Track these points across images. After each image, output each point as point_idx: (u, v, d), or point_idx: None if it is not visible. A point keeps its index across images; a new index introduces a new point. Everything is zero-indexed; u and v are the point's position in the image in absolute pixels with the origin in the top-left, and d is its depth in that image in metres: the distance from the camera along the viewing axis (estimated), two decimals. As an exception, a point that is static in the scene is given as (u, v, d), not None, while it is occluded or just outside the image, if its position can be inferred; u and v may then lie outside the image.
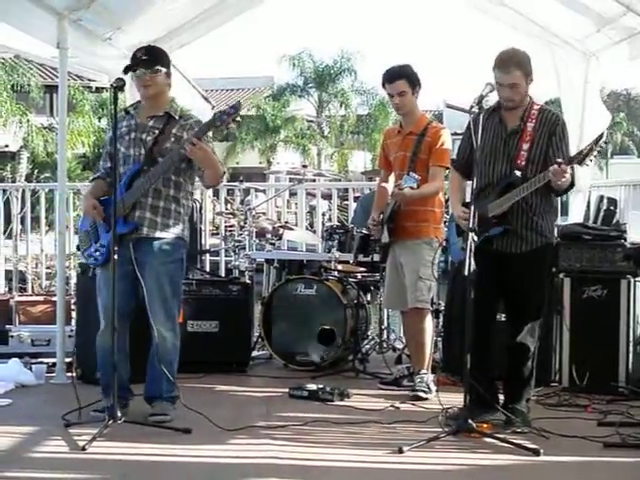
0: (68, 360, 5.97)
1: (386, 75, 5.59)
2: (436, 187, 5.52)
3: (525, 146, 4.66)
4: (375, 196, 6.03)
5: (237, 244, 7.10)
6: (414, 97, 5.60)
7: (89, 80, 24.31)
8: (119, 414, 4.51)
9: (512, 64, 4.60)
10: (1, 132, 23.18)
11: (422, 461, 4.16)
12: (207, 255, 7.89)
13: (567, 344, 5.67)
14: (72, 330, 6.08)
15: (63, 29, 5.88)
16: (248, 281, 6.63)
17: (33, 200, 8.63)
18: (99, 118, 25.28)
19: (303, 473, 4.01)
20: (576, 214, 6.79)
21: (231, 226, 8.79)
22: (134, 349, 4.91)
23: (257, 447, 4.35)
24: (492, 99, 4.73)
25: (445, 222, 5.83)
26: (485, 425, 4.51)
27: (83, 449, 4.23)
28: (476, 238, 4.37)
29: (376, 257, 6.07)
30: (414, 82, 5.56)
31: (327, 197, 10.05)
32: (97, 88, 25.46)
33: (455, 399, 4.66)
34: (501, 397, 4.81)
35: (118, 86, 4.58)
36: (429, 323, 5.58)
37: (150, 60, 4.80)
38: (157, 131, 4.86)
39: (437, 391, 5.35)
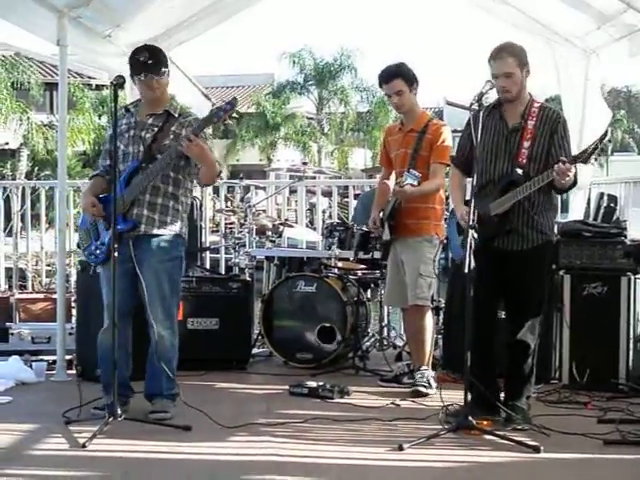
0: (68, 358, 5.99)
1: (382, 76, 5.59)
2: (437, 184, 5.51)
3: (526, 144, 4.66)
4: (376, 193, 6.03)
5: (237, 241, 7.10)
6: (412, 94, 5.59)
7: (89, 77, 24.38)
8: (119, 411, 4.51)
9: (505, 52, 4.63)
10: (1, 130, 23.18)
11: (422, 458, 4.17)
12: (207, 252, 7.89)
13: (567, 341, 5.67)
14: (72, 328, 6.09)
15: (63, 26, 5.88)
16: (248, 278, 6.62)
17: (33, 198, 8.63)
18: (99, 115, 25.30)
19: (303, 470, 4.01)
20: (576, 211, 6.80)
21: (231, 223, 8.80)
22: (134, 346, 4.91)
23: (257, 444, 4.35)
24: (492, 96, 4.73)
25: (445, 219, 5.83)
26: (485, 422, 4.51)
27: (83, 446, 4.23)
28: (476, 235, 4.37)
29: (376, 254, 6.07)
30: (411, 80, 5.55)
31: (327, 194, 10.05)
32: (97, 85, 25.49)
33: (455, 396, 4.65)
34: (501, 394, 4.82)
35: (118, 83, 4.58)
36: (429, 320, 5.59)
37: (156, 64, 4.79)
38: (156, 129, 4.86)
39: (437, 388, 5.36)
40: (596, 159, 4.50)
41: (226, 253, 7.94)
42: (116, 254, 4.52)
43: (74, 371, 5.96)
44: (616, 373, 5.52)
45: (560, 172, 4.38)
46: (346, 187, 9.75)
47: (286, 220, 7.80)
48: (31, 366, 5.90)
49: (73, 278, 7.57)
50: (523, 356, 4.73)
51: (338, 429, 4.67)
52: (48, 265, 9.03)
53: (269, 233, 7.20)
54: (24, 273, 9.22)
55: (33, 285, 8.99)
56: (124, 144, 4.87)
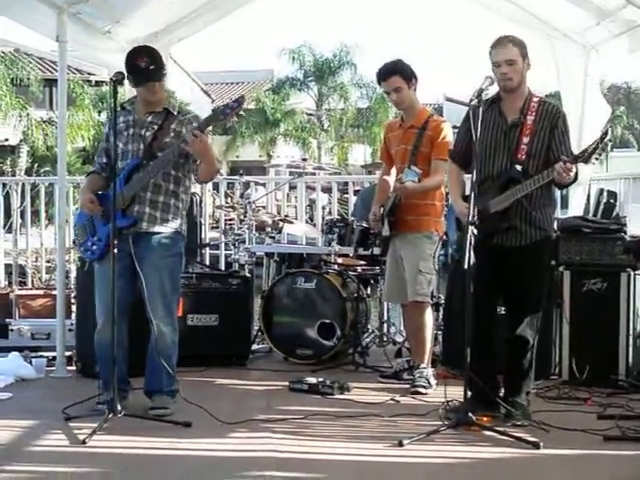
0: (68, 354, 5.99)
1: (379, 73, 5.58)
2: (438, 181, 5.50)
3: (525, 140, 4.64)
4: (376, 189, 6.03)
5: (237, 238, 7.10)
6: (411, 91, 5.58)
7: (89, 74, 24.34)
8: (119, 408, 4.51)
9: (508, 40, 4.63)
10: (1, 126, 23.13)
11: (422, 454, 4.16)
12: (207, 249, 7.89)
13: (567, 337, 5.67)
14: (72, 324, 6.10)
15: (62, 22, 5.88)
16: (248, 275, 6.63)
17: (33, 194, 8.63)
18: (99, 112, 25.23)
19: (303, 466, 4.02)
20: (576, 207, 6.79)
21: (231, 219, 8.80)
22: (134, 342, 4.91)
23: (257, 440, 4.35)
24: (491, 92, 4.71)
25: (445, 215, 5.83)
26: (485, 418, 4.51)
27: (83, 443, 4.23)
28: (476, 232, 4.36)
29: (376, 250, 6.06)
30: (409, 76, 5.54)
31: (327, 190, 10.05)
32: (97, 82, 25.43)
33: (455, 392, 4.65)
34: (501, 391, 4.82)
35: (118, 80, 4.57)
36: (429, 316, 5.59)
37: (157, 69, 4.79)
38: (156, 127, 4.85)
39: (437, 384, 5.36)
40: (597, 159, 4.46)
41: (226, 249, 7.95)
42: (115, 250, 4.52)
43: (74, 367, 5.97)
44: (616, 369, 5.52)
45: (561, 172, 4.37)
46: (346, 183, 9.77)
47: (286, 216, 7.80)
48: (31, 362, 5.90)
49: (73, 274, 7.57)
50: (522, 352, 4.73)
51: (338, 425, 4.67)
52: (48, 261, 9.04)
53: (269, 229, 7.20)
54: (24, 269, 9.23)
55: (33, 281, 9.01)
56: (123, 142, 4.86)
